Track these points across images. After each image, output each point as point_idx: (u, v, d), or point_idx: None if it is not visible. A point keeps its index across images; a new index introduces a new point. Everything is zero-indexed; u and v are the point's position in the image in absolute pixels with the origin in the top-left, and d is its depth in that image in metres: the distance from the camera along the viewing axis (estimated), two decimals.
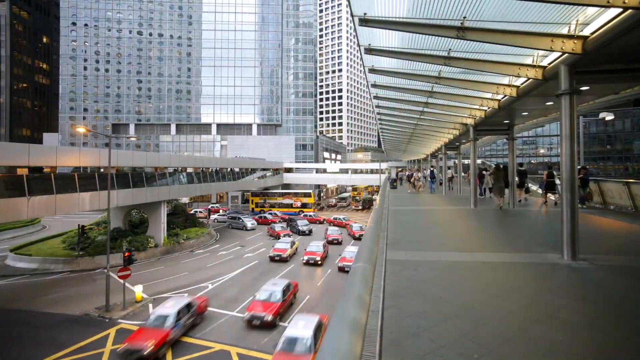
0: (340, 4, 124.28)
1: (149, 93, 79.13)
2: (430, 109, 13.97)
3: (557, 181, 12.98)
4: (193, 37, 79.87)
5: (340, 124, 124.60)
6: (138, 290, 19.97)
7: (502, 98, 10.01)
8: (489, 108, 11.24)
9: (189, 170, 37.44)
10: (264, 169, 59.72)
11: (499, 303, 3.92)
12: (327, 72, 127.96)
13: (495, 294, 4.22)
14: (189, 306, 16.00)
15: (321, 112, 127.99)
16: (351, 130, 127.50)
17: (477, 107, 12.05)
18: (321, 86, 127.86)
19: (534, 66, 7.16)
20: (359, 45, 8.24)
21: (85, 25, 77.49)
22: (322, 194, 79.31)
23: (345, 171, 72.24)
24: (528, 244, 7.25)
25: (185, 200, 57.85)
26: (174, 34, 79.55)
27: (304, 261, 27.36)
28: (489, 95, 10.55)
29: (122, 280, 19.20)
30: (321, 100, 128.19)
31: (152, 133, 79.56)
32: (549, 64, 6.82)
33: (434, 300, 4.02)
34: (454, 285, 4.57)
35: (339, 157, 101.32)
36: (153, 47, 79.12)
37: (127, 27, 78.71)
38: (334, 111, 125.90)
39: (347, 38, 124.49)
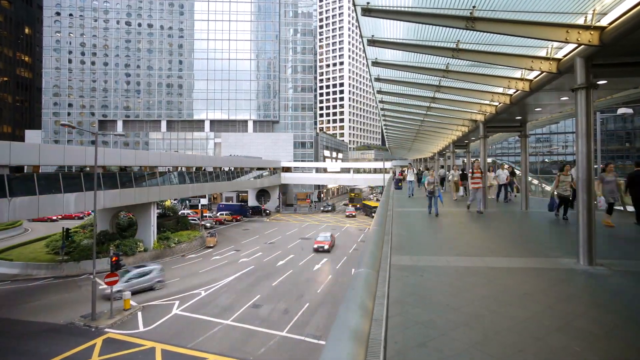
0: None
1: (138, 87, 79.10)
2: (438, 105, 13.98)
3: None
4: (185, 27, 79.83)
5: (341, 120, 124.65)
6: (126, 298, 19.98)
7: (514, 93, 10.01)
8: (500, 103, 11.24)
9: (181, 169, 37.46)
10: (260, 168, 59.74)
11: (511, 311, 3.92)
12: (328, 65, 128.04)
13: (507, 302, 4.21)
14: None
15: (321, 108, 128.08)
16: (353, 127, 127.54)
17: (487, 102, 12.05)
18: (321, 80, 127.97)
19: (548, 59, 7.16)
20: (361, 36, 8.24)
21: (70, 15, 77.47)
22: (322, 195, 79.31)
23: (347, 170, 72.15)
24: (541, 247, 7.24)
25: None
26: (164, 24, 79.52)
27: None
28: (499, 90, 10.55)
29: (109, 287, 19.20)
30: (321, 95, 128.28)
31: (142, 130, 79.54)
32: (564, 56, 6.81)
33: (442, 308, 4.02)
34: (462, 292, 4.56)
35: (340, 155, 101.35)
36: (142, 38, 79.07)
37: (115, 17, 78.69)
38: (334, 107, 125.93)
39: (349, 29, 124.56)
